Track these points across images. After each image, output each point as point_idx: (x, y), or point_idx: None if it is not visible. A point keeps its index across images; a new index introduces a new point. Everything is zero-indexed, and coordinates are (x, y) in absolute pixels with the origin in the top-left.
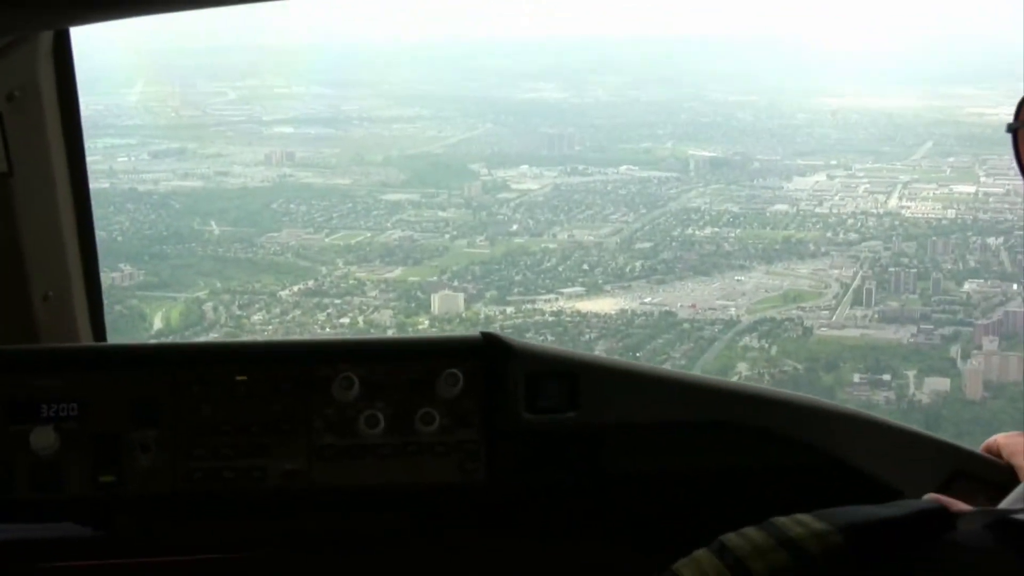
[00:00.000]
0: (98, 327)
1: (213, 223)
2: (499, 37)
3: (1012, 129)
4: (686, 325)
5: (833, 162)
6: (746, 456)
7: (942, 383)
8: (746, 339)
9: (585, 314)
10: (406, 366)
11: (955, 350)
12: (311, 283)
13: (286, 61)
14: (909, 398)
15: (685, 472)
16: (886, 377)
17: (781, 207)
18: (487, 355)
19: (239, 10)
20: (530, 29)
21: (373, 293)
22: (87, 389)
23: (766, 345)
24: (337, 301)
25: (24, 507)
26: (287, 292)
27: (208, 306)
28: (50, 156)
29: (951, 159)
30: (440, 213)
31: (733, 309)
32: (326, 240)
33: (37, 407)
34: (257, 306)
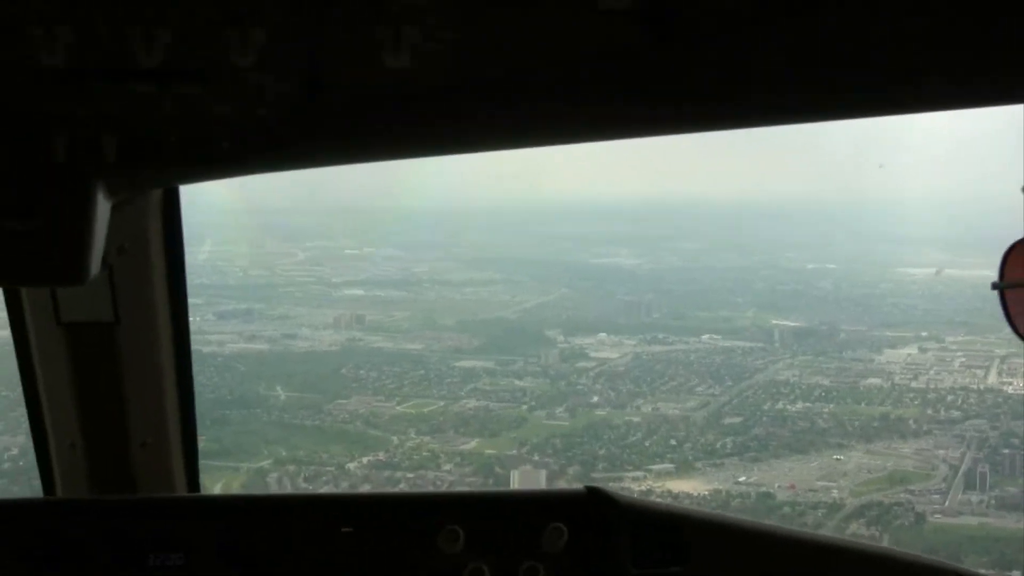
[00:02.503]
0: (192, 475)
1: (279, 388)
2: (569, 202)
3: (999, 288)
4: (787, 509)
5: (924, 334)
6: None
7: None
8: (853, 525)
9: (676, 494)
10: (511, 519)
11: None
12: (382, 455)
13: (356, 222)
14: None
15: None
16: (1016, 574)
17: (874, 381)
18: (592, 509)
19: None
20: (600, 194)
21: (448, 467)
22: (192, 539)
23: (876, 533)
24: (410, 475)
25: None
26: (355, 464)
27: (272, 477)
28: (155, 307)
29: None
30: (517, 382)
31: (836, 491)
32: (397, 408)
33: (144, 556)
34: (324, 478)
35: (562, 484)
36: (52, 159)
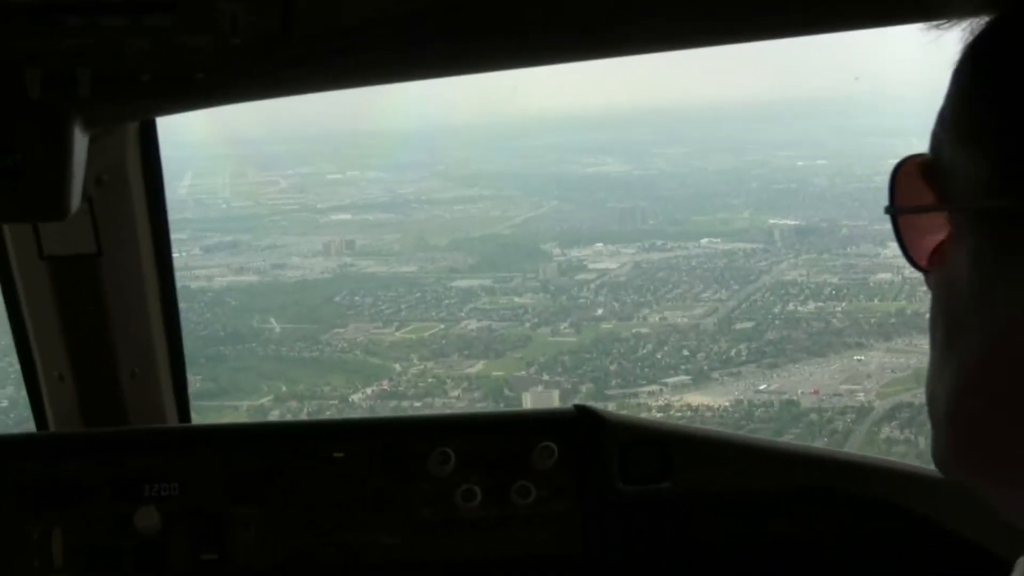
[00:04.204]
0: (183, 404)
1: (273, 320)
2: (547, 113)
3: (892, 213)
4: (813, 416)
5: None
6: (851, 524)
7: None
8: (886, 430)
9: (697, 407)
10: (501, 440)
11: None
12: (385, 383)
13: (336, 147)
14: None
15: (784, 540)
16: None
17: (884, 276)
18: (581, 427)
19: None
20: (578, 103)
21: (455, 392)
22: (187, 468)
23: (911, 436)
24: (417, 404)
25: None
26: (359, 395)
27: (274, 414)
28: (137, 237)
29: None
30: (516, 299)
31: (862, 394)
32: (397, 334)
33: (140, 487)
34: (328, 412)
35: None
36: (27, 95)
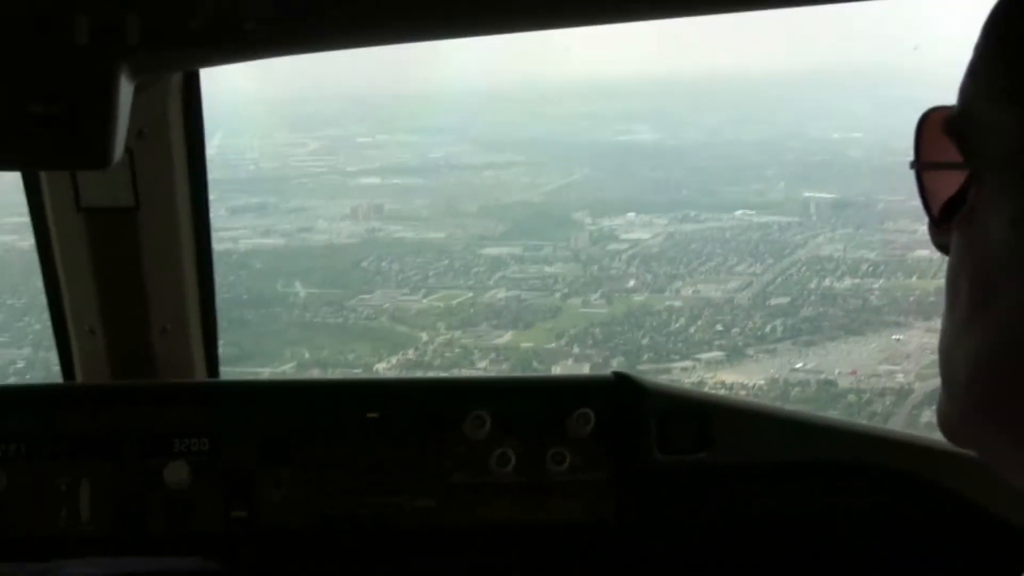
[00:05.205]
0: (212, 361)
1: (298, 284)
2: (579, 81)
3: (916, 168)
4: (851, 397)
5: None
6: (888, 500)
7: None
8: (927, 414)
9: (731, 385)
10: (538, 405)
11: None
12: (411, 353)
13: (367, 109)
14: None
15: (820, 513)
16: None
17: (922, 253)
18: (619, 395)
19: (316, 58)
20: (610, 72)
21: (483, 364)
22: (218, 424)
23: None
24: (443, 375)
25: (156, 541)
26: (385, 364)
27: None
28: (175, 192)
29: None
30: (547, 268)
31: (901, 375)
32: (424, 302)
33: (169, 442)
34: None
35: None
36: (74, 41)
